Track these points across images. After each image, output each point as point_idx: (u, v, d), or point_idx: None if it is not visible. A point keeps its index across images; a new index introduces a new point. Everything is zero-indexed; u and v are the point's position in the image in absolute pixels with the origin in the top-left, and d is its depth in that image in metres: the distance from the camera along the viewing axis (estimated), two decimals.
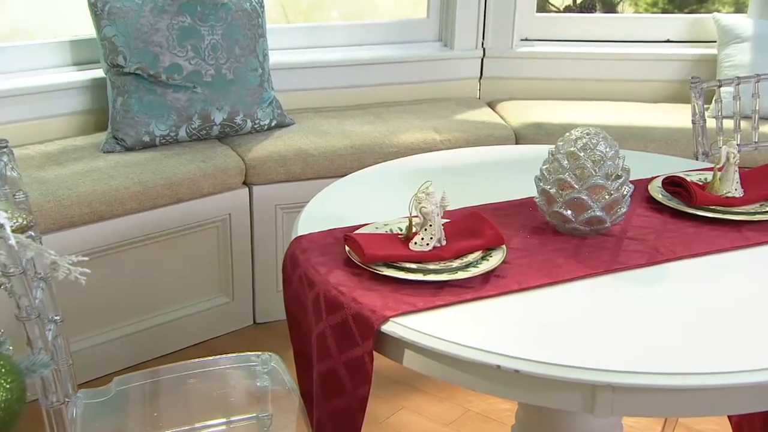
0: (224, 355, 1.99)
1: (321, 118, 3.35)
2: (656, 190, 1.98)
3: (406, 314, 1.49)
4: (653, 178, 2.06)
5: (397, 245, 1.67)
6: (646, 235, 1.80)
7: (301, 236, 1.77)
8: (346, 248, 1.67)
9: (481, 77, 3.83)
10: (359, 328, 1.49)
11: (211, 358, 1.98)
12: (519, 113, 3.52)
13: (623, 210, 1.75)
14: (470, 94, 3.81)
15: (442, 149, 3.12)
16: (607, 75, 3.81)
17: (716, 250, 1.75)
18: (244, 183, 3.00)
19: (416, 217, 1.67)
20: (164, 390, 1.88)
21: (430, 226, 1.65)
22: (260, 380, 1.97)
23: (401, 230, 1.74)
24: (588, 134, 1.73)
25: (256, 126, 3.13)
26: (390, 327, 1.47)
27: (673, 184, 1.96)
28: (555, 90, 3.80)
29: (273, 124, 3.19)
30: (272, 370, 1.99)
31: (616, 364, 1.36)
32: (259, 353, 2.00)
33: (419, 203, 1.65)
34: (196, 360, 1.97)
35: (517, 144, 3.30)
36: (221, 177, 2.89)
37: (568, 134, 1.76)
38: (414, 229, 1.69)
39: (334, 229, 1.80)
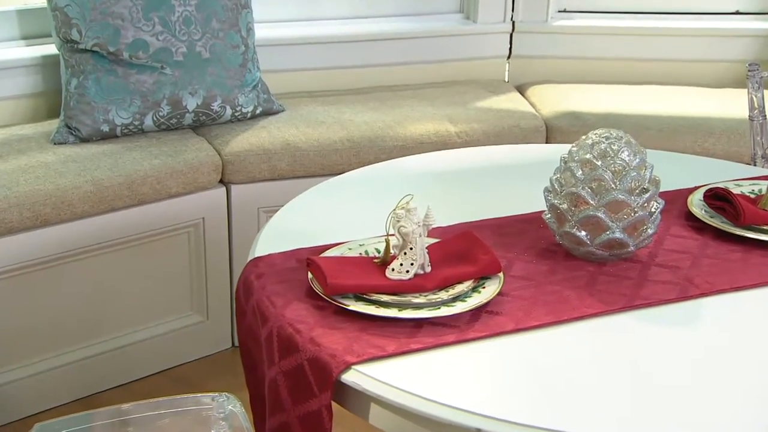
0: (172, 397, 1.92)
1: (316, 105, 3.28)
2: (696, 205, 1.89)
3: (373, 360, 1.43)
4: (695, 188, 1.98)
5: (370, 272, 1.60)
6: (679, 261, 1.72)
7: (258, 258, 1.71)
8: (309, 275, 1.60)
9: (509, 56, 3.76)
10: (316, 377, 1.44)
11: (156, 400, 1.91)
12: (553, 99, 3.45)
13: (650, 231, 1.67)
14: (496, 76, 3.74)
15: (457, 143, 3.06)
16: (660, 54, 3.73)
17: (767, 283, 1.66)
18: (221, 181, 2.95)
19: (393, 235, 1.60)
20: None
21: (411, 249, 1.58)
22: (215, 427, 1.90)
23: (378, 252, 1.67)
24: (607, 138, 1.65)
25: (237, 114, 3.07)
26: (352, 376, 1.41)
27: (716, 197, 1.87)
28: (597, 72, 3.71)
29: (258, 111, 3.12)
30: (230, 414, 1.92)
31: None
32: (215, 394, 1.93)
33: (398, 221, 1.58)
34: (140, 402, 1.91)
35: (548, 137, 3.24)
36: (192, 174, 2.84)
37: (583, 138, 1.68)
38: (392, 252, 1.61)
39: (300, 249, 1.74)
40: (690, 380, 1.40)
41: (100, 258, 2.74)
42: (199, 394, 1.94)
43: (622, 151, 1.64)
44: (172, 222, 2.86)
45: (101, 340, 2.83)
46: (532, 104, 3.44)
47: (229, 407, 1.93)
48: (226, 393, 1.95)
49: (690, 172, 2.09)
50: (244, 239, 2.99)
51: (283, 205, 2.03)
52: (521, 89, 3.65)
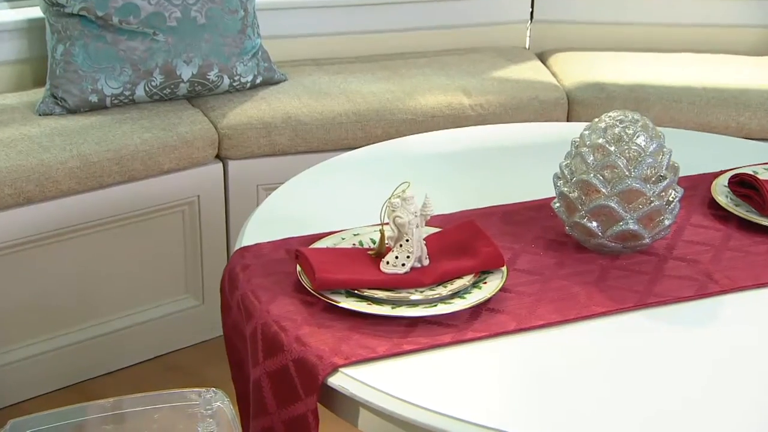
0: (157, 392, 1.92)
1: (320, 74, 3.27)
2: (720, 192, 1.87)
3: (363, 362, 1.42)
4: (720, 173, 1.95)
5: (363, 265, 1.60)
6: (699, 254, 1.70)
7: (244, 248, 1.70)
8: (298, 268, 1.59)
9: (531, 20, 3.74)
10: (302, 379, 1.43)
11: (141, 395, 1.91)
12: (577, 69, 3.42)
13: (667, 222, 1.65)
14: (516, 42, 3.71)
15: (471, 116, 3.04)
16: (694, 18, 3.70)
17: None
18: (217, 157, 2.95)
19: (387, 224, 1.59)
20: None
21: (407, 241, 1.57)
22: (202, 425, 1.90)
23: (374, 243, 1.65)
24: (622, 122, 1.63)
25: (235, 83, 3.06)
26: (339, 380, 1.41)
27: (742, 183, 1.85)
28: (626, 38, 3.68)
29: (258, 81, 3.11)
30: (217, 411, 1.92)
31: None
32: (201, 390, 1.93)
33: (393, 211, 1.56)
34: (123, 397, 1.90)
35: (569, 110, 3.21)
36: (186, 149, 2.83)
37: (596, 120, 1.66)
38: (387, 243, 1.60)
39: (290, 238, 1.73)
40: (707, 384, 1.39)
41: (87, 238, 2.74)
42: (185, 390, 1.93)
43: (638, 136, 1.61)
44: (165, 200, 2.85)
45: (89, 325, 2.83)
46: (553, 74, 3.41)
47: (217, 403, 1.93)
48: (214, 388, 1.94)
49: (716, 154, 2.07)
50: (241, 218, 2.96)
51: (283, 183, 2.02)
52: (543, 57, 3.61)
